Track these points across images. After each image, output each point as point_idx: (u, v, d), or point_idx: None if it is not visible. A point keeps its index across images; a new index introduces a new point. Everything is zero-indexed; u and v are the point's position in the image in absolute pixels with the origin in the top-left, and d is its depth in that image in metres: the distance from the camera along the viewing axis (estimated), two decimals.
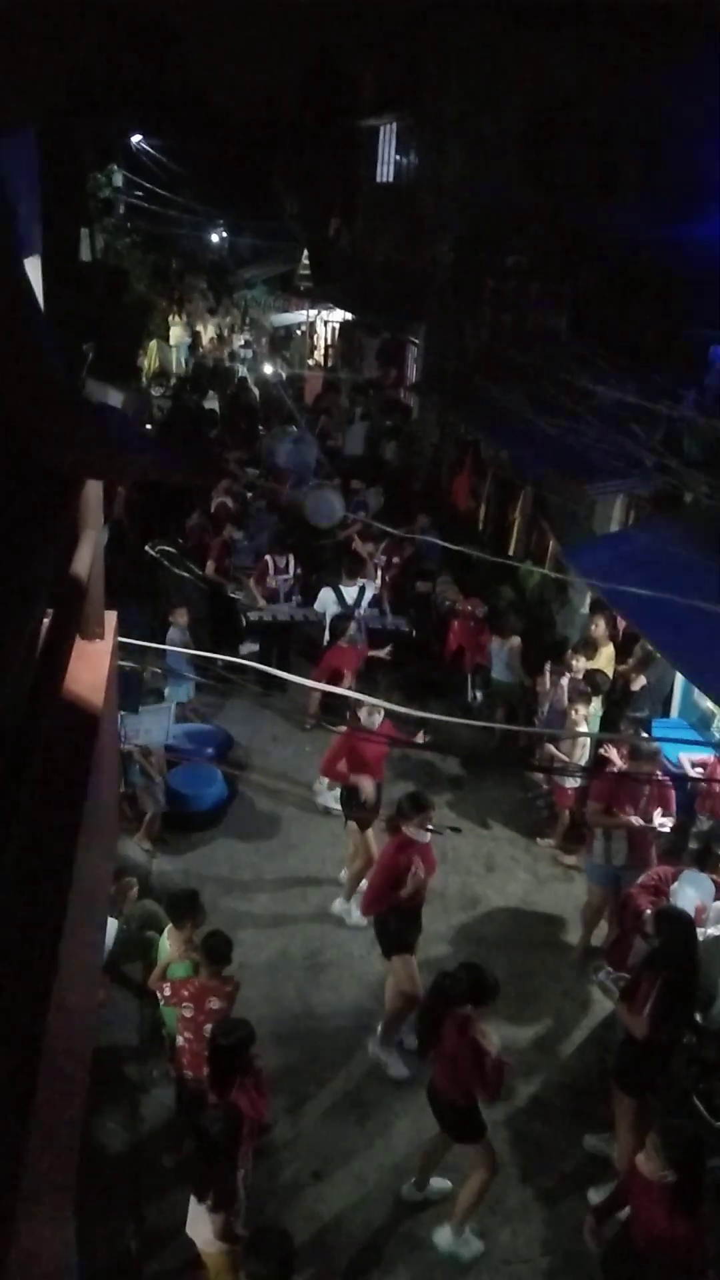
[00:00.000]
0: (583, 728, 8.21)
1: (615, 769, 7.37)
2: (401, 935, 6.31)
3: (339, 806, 7.97)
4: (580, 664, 8.82)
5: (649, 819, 6.96)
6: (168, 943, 5.64)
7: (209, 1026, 5.03)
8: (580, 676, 8.64)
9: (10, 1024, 1.29)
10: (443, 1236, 5.25)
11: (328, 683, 8.19)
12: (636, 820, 6.91)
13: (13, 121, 1.29)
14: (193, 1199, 4.53)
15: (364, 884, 7.06)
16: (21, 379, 1.23)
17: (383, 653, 10.07)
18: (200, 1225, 4.51)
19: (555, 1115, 6.09)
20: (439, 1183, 5.52)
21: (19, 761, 1.44)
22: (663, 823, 7.00)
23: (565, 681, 8.69)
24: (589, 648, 9.08)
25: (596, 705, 8.51)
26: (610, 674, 9.15)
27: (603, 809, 7.00)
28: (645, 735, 7.47)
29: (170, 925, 5.70)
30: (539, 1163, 5.77)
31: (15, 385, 1.23)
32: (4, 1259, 1.03)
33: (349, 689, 7.71)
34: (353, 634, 9.30)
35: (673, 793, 7.14)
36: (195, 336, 26.97)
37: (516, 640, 9.62)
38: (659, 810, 7.00)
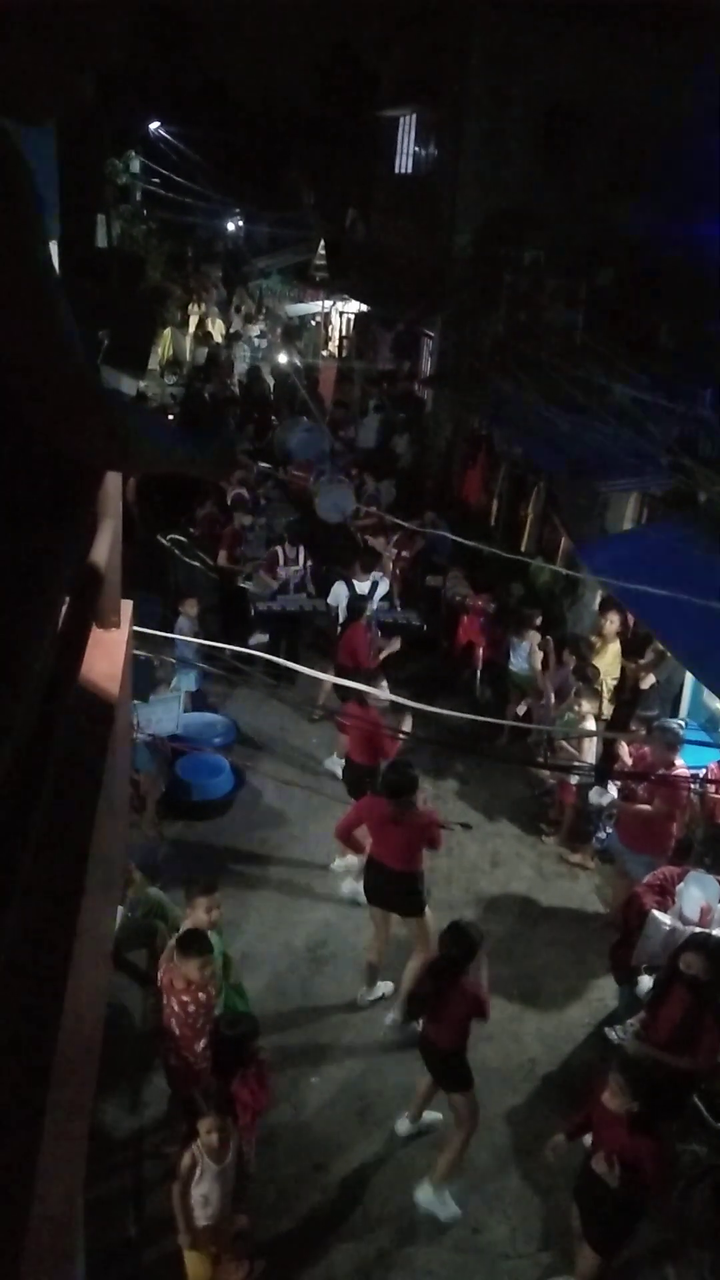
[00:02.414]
0: (589, 723, 8.22)
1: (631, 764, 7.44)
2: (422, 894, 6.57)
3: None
4: (570, 658, 8.91)
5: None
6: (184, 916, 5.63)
7: (173, 1021, 5.06)
8: (572, 669, 8.71)
9: (27, 1010, 1.29)
10: (424, 1193, 5.41)
11: (348, 663, 8.30)
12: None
13: (45, 116, 1.28)
14: None
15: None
16: (48, 372, 1.23)
17: (393, 646, 9.99)
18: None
19: (556, 1112, 6.09)
20: (431, 1115, 5.78)
21: (39, 750, 1.45)
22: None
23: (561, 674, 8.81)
24: (586, 643, 9.12)
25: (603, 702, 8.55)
26: (617, 671, 9.15)
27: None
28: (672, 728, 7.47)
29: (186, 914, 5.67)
30: (538, 1158, 5.77)
31: (42, 379, 1.23)
32: (19, 1253, 1.04)
33: (358, 676, 7.81)
34: (368, 616, 9.33)
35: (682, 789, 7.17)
36: (207, 324, 26.93)
37: (536, 636, 9.65)
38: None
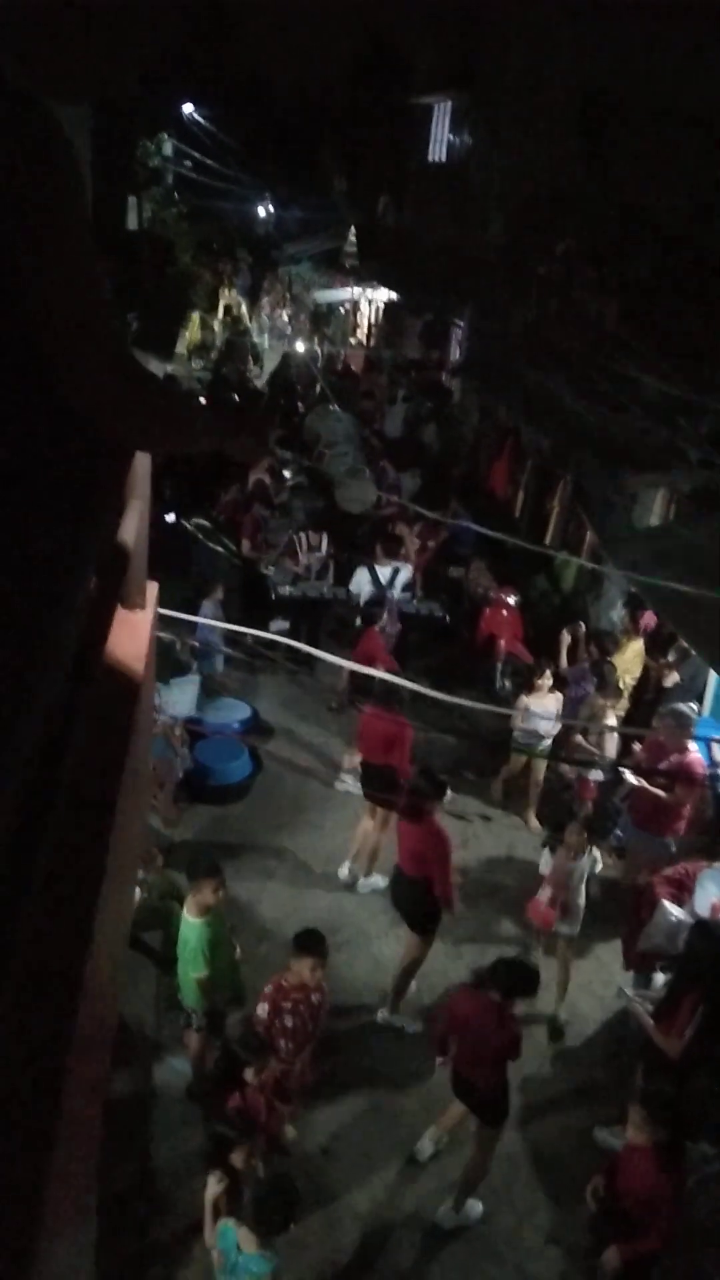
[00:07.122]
0: (610, 720, 8.18)
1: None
2: (436, 916, 6.42)
3: (359, 791, 8.04)
4: (593, 650, 8.92)
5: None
6: (187, 913, 5.58)
7: (276, 1029, 5.10)
8: (587, 666, 8.71)
9: (47, 987, 1.29)
10: (446, 1217, 5.29)
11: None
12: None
13: (87, 98, 1.29)
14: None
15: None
16: (87, 349, 1.22)
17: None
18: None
19: (568, 1108, 6.09)
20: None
21: (65, 727, 1.44)
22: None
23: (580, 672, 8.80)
24: (611, 639, 9.09)
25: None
26: (639, 669, 9.10)
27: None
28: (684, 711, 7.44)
29: (190, 895, 5.66)
30: (550, 1156, 5.77)
31: (81, 356, 1.22)
32: (33, 1253, 1.03)
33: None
34: (384, 624, 9.26)
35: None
36: (235, 310, 26.88)
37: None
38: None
